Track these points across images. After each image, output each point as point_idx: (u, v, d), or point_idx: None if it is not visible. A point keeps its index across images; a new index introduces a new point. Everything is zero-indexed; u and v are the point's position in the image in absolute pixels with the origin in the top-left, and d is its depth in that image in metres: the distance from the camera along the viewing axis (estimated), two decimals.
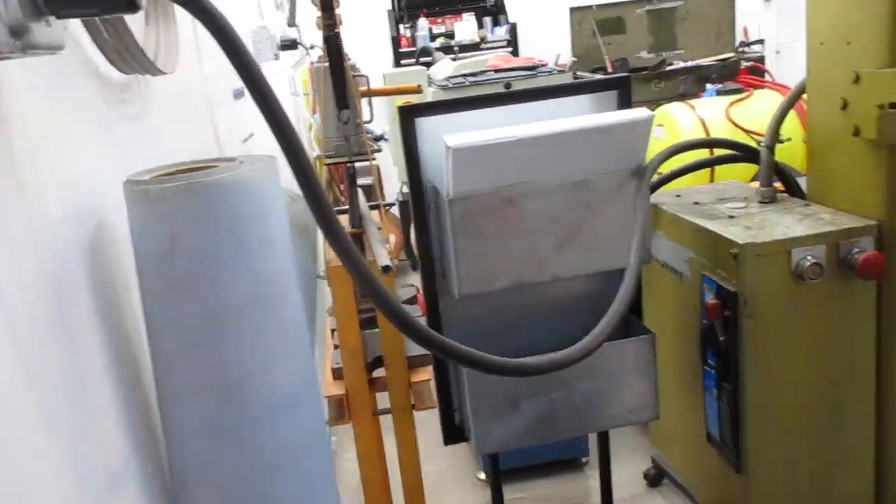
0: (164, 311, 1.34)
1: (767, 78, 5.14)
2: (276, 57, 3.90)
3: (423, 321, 2.15)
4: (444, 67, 3.97)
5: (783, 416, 2.20)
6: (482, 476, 3.42)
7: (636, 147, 1.97)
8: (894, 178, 2.06)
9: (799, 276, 2.08)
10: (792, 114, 3.41)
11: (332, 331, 2.41)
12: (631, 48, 5.94)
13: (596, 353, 1.79)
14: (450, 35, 7.17)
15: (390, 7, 7.29)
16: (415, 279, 4.82)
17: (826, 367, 2.19)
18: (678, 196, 2.64)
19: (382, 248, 2.15)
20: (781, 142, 3.09)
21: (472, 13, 7.37)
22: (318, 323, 3.08)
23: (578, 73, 4.89)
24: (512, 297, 2.17)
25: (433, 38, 7.09)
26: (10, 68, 1.11)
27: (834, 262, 2.10)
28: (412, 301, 2.78)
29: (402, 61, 6.61)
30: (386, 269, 2.03)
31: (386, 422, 2.41)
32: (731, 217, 2.32)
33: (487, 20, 7.42)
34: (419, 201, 2.08)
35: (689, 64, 5.28)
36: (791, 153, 3.23)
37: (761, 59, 5.80)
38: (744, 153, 2.63)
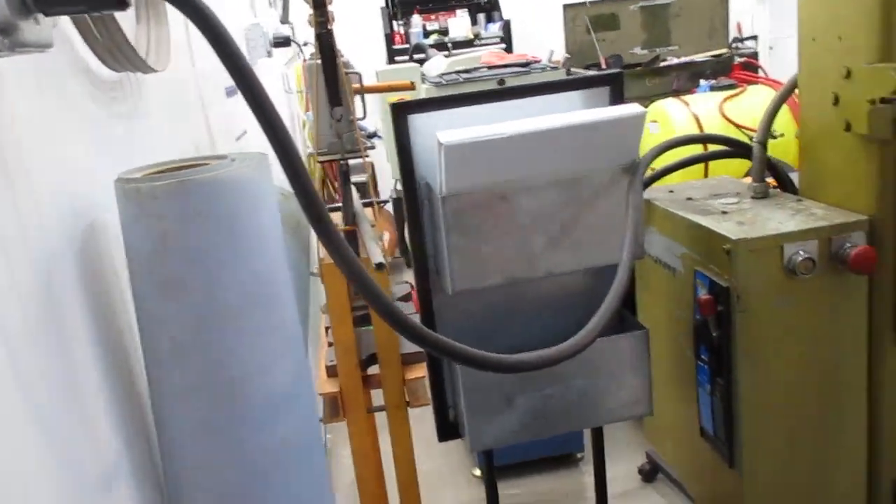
0: (157, 310, 1.34)
1: (761, 74, 5.14)
2: (269, 54, 3.89)
3: (416, 318, 2.15)
4: (438, 64, 3.96)
5: (776, 410, 2.21)
6: (477, 472, 3.43)
7: (629, 143, 1.97)
8: (885, 172, 2.07)
9: (791, 271, 2.09)
10: (785, 109, 3.42)
11: (327, 328, 2.41)
12: (625, 44, 5.93)
13: (590, 349, 1.79)
14: (443, 32, 7.17)
15: (384, 4, 7.28)
16: (409, 276, 4.82)
17: (818, 362, 2.19)
18: (671, 192, 2.65)
19: (376, 246, 2.15)
20: (774, 137, 3.10)
21: (466, 10, 7.37)
22: (312, 320, 3.08)
23: (572, 69, 4.88)
24: (505, 294, 2.17)
25: (427, 34, 7.08)
26: None
27: (826, 257, 2.11)
28: (406, 298, 2.78)
29: (396, 58, 6.60)
30: (379, 266, 2.03)
31: (381, 419, 2.41)
32: (724, 213, 2.33)
33: (481, 17, 7.42)
34: (412, 198, 2.08)
35: (683, 60, 5.28)
36: (784, 149, 3.24)
37: (755, 55, 5.80)
38: (736, 149, 2.63)
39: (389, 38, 7.12)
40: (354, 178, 2.57)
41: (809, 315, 2.15)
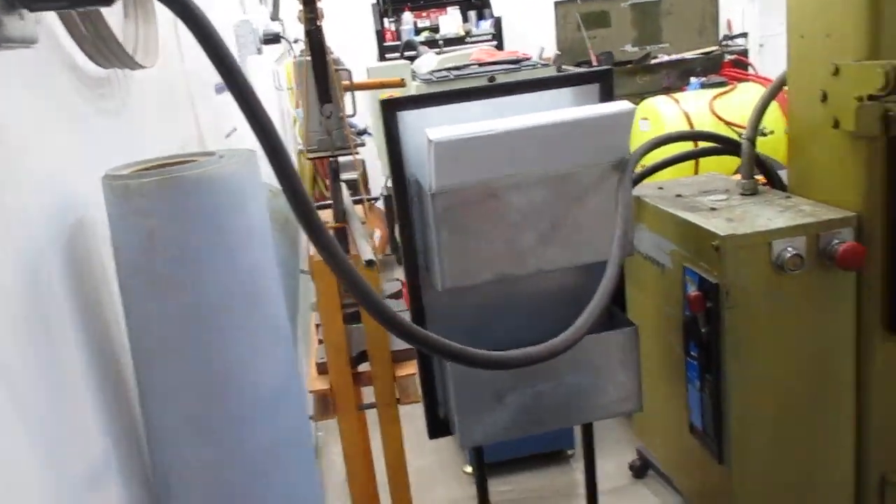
0: (144, 307, 1.34)
1: (751, 71, 5.16)
2: (259, 51, 3.88)
3: (406, 315, 2.15)
4: (428, 61, 3.96)
5: (765, 406, 2.22)
6: (468, 469, 3.43)
7: (618, 140, 1.97)
8: (873, 169, 2.08)
9: (780, 268, 2.10)
10: (775, 107, 3.44)
11: (317, 325, 2.41)
12: (615, 42, 5.95)
13: (579, 346, 1.79)
14: (434, 29, 7.17)
15: (374, 1, 7.27)
16: (401, 274, 4.82)
17: (807, 358, 2.21)
18: (661, 188, 2.66)
19: (366, 243, 2.15)
20: (764, 134, 3.11)
21: (457, 7, 7.37)
22: (302, 318, 3.08)
23: (563, 66, 4.89)
24: (496, 291, 2.17)
25: (418, 31, 7.08)
26: None
27: (814, 254, 2.12)
28: (397, 296, 2.79)
29: (387, 55, 6.60)
30: (370, 263, 2.03)
31: (372, 416, 2.41)
32: (713, 209, 2.33)
33: (472, 14, 7.42)
34: (402, 195, 2.08)
35: (674, 57, 5.30)
36: (774, 146, 3.25)
37: (745, 53, 5.83)
38: (725, 146, 2.64)
39: (380, 35, 7.12)
40: (345, 176, 2.57)
41: (798, 311, 2.16)
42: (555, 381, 2.11)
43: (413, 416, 2.47)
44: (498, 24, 7.19)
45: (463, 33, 7.12)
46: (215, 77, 1.13)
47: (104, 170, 1.36)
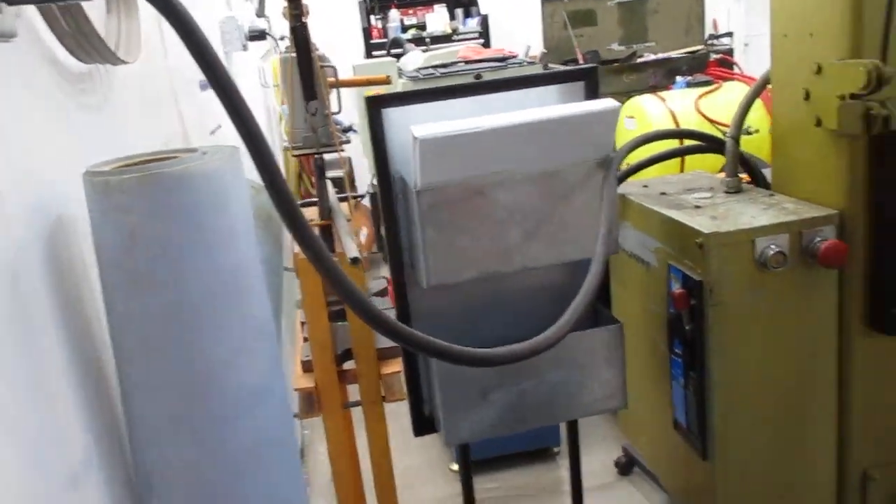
0: (126, 305, 1.33)
1: (736, 70, 5.18)
2: (245, 48, 3.86)
3: (392, 313, 2.15)
4: (415, 59, 3.95)
5: (748, 403, 2.24)
6: (454, 467, 3.43)
7: (603, 137, 1.97)
8: (855, 167, 2.09)
9: (763, 265, 2.11)
10: (760, 106, 3.46)
11: (302, 323, 2.40)
12: (602, 40, 5.95)
13: (564, 343, 1.80)
14: (421, 26, 7.16)
15: None
16: (387, 272, 4.81)
17: (789, 354, 2.22)
18: (645, 186, 2.67)
19: (351, 241, 2.15)
20: (749, 133, 3.13)
21: (444, 4, 7.36)
22: (287, 316, 3.07)
23: (549, 64, 4.89)
24: (481, 288, 2.17)
25: (404, 29, 7.07)
26: None
27: (797, 251, 2.13)
28: (383, 293, 2.78)
29: (374, 53, 6.58)
30: (355, 261, 2.02)
31: (358, 414, 2.40)
32: (697, 207, 2.35)
33: (459, 12, 7.42)
34: (387, 192, 2.07)
35: (660, 56, 5.31)
36: (759, 145, 3.27)
37: (730, 52, 5.85)
38: (710, 144, 2.65)
39: (367, 33, 7.10)
40: (331, 173, 2.56)
41: (781, 308, 2.18)
42: (540, 379, 2.11)
43: (399, 414, 2.46)
44: (485, 21, 7.19)
45: (450, 31, 7.12)
46: (200, 73, 1.12)
47: (85, 166, 1.35)
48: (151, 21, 2.11)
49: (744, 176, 2.57)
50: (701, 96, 4.19)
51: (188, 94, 2.68)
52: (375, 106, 1.99)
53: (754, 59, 6.31)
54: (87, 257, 1.42)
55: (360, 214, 5.65)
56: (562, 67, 4.83)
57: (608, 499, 3.20)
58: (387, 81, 2.55)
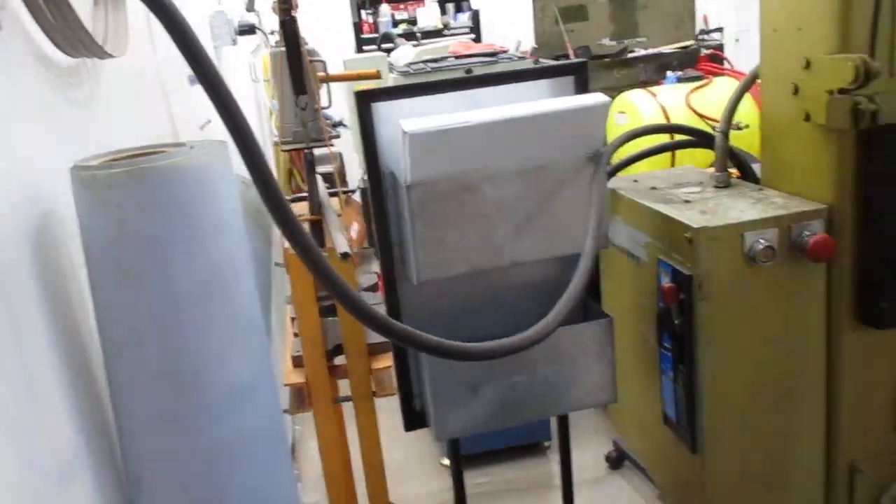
0: (114, 299, 1.32)
1: (726, 66, 5.19)
2: (234, 42, 3.84)
3: (382, 308, 2.15)
4: (406, 53, 3.94)
5: (737, 396, 2.25)
6: (445, 462, 3.44)
7: (593, 132, 1.98)
8: (843, 162, 2.10)
9: (752, 259, 2.12)
10: (751, 102, 3.47)
11: (293, 319, 2.39)
12: (593, 36, 5.95)
13: (554, 337, 1.80)
14: (412, 21, 7.15)
15: None
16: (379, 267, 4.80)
17: (778, 348, 2.23)
18: (635, 181, 2.67)
19: (341, 235, 2.14)
20: (739, 128, 3.14)
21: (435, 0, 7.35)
22: (278, 311, 3.06)
23: (540, 59, 4.89)
24: (472, 283, 2.17)
25: (395, 24, 7.06)
26: None
27: (785, 245, 2.14)
28: (373, 288, 2.77)
29: (364, 47, 6.57)
30: (344, 255, 2.02)
31: (348, 409, 2.40)
32: (687, 202, 2.35)
33: (450, 6, 7.41)
34: (377, 187, 2.07)
35: (651, 51, 5.31)
36: (750, 140, 3.28)
37: (720, 47, 5.85)
38: (699, 138, 2.66)
39: (358, 27, 7.09)
40: (322, 168, 2.55)
41: (769, 302, 2.19)
42: (530, 373, 2.12)
43: (389, 409, 2.46)
44: (476, 17, 7.19)
45: (441, 26, 7.11)
46: (188, 67, 1.12)
47: (73, 161, 1.34)
48: (139, 14, 2.10)
49: (733, 171, 2.58)
50: (691, 91, 4.20)
51: (177, 88, 2.67)
52: (365, 100, 1.98)
53: (745, 54, 6.31)
54: (74, 252, 1.41)
55: (351, 210, 5.64)
56: (552, 62, 4.82)
57: (599, 493, 3.21)
58: (377, 76, 2.54)
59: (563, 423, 2.38)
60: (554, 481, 3.30)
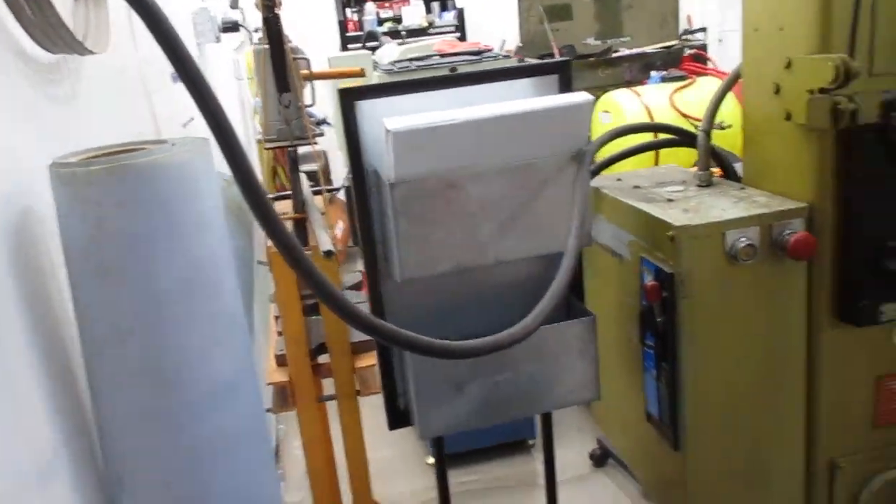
0: (94, 297, 1.31)
1: (710, 65, 5.22)
2: (218, 39, 3.82)
3: (366, 307, 2.14)
4: (390, 52, 3.94)
5: (718, 394, 2.26)
6: (430, 461, 3.44)
7: (577, 130, 1.98)
8: (824, 161, 2.12)
9: (733, 258, 2.14)
10: (734, 102, 3.49)
11: (276, 317, 2.39)
12: (578, 35, 5.97)
13: (538, 336, 1.80)
14: (397, 19, 7.14)
15: None
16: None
17: (759, 346, 2.25)
18: (619, 180, 2.68)
19: (325, 234, 2.14)
20: (723, 128, 3.15)
21: None
22: (261, 310, 3.05)
23: (525, 58, 4.90)
24: (456, 281, 2.17)
25: (380, 22, 7.05)
26: None
27: (767, 244, 2.16)
28: (357, 287, 2.77)
29: (349, 46, 6.56)
30: (328, 254, 2.02)
31: (332, 408, 2.40)
32: (670, 200, 2.37)
33: (435, 5, 7.41)
34: (361, 185, 2.06)
35: (635, 51, 5.33)
36: (733, 140, 3.29)
37: (704, 47, 5.89)
38: (682, 137, 2.68)
39: (343, 26, 7.07)
40: (306, 167, 2.55)
41: (750, 300, 2.21)
42: (513, 371, 2.12)
43: (373, 408, 2.46)
44: (461, 15, 7.19)
45: (426, 24, 7.11)
46: (170, 65, 1.11)
47: (52, 158, 1.33)
48: (120, 11, 2.08)
49: (716, 170, 2.60)
50: (675, 91, 4.23)
51: (160, 85, 2.65)
52: (349, 98, 1.98)
53: (728, 54, 6.36)
54: (53, 250, 1.40)
55: (336, 208, 5.62)
56: (537, 61, 4.84)
57: (583, 490, 3.22)
58: (361, 74, 2.54)
59: (547, 420, 2.39)
60: (538, 479, 3.30)
